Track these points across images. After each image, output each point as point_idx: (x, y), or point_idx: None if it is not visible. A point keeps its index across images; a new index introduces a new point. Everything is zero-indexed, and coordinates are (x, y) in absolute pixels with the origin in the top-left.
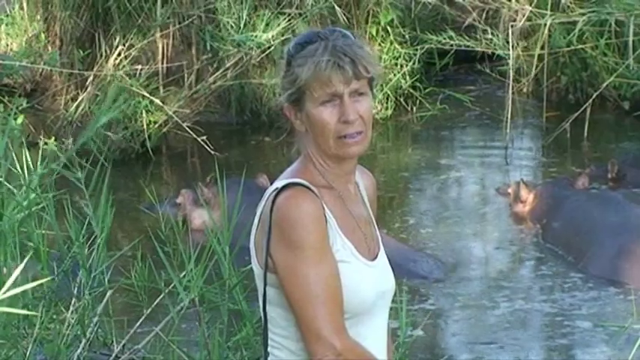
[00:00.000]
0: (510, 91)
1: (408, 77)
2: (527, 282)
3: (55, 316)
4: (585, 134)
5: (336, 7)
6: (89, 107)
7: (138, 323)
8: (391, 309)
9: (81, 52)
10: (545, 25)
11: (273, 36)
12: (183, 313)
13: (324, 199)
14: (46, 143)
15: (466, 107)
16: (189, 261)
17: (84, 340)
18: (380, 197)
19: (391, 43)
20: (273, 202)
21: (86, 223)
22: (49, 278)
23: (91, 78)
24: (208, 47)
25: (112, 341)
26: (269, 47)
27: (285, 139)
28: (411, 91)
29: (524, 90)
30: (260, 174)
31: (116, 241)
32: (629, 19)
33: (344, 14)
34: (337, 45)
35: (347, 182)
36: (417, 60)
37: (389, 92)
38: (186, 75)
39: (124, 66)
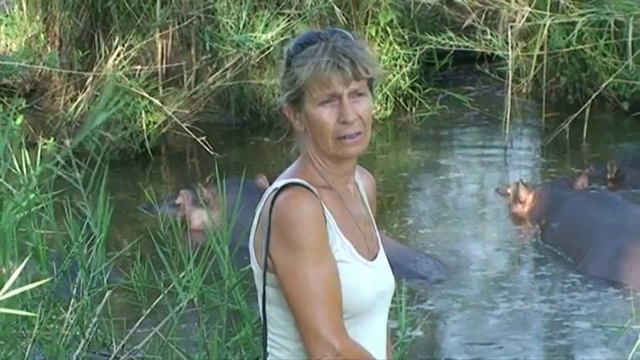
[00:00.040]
0: (509, 92)
1: (407, 78)
2: (527, 282)
3: (54, 317)
4: (584, 135)
5: (336, 7)
6: (88, 108)
7: (137, 324)
8: (390, 309)
9: (80, 52)
10: (545, 25)
11: (272, 36)
12: (183, 314)
13: (323, 199)
14: (45, 144)
15: (465, 108)
16: (189, 261)
17: (83, 341)
18: (379, 197)
19: (390, 44)
20: (273, 202)
21: (85, 223)
22: (48, 280)
23: (90, 78)
24: (208, 48)
25: (111, 342)
26: (268, 48)
27: (284, 140)
28: (411, 91)
29: (524, 90)
30: (259, 174)
31: (115, 241)
32: (629, 20)
33: (343, 15)
34: (337, 46)
35: (346, 182)
36: (416, 60)
37: (388, 93)
38: (185, 75)
39: (123, 66)
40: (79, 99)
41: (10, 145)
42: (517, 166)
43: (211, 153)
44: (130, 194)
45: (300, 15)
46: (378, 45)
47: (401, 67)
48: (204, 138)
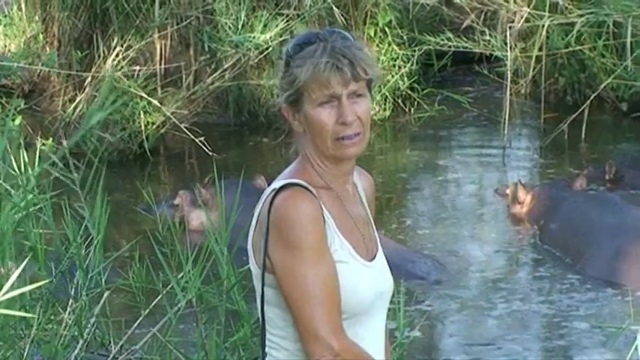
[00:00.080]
0: (508, 93)
1: (406, 78)
2: (525, 283)
3: (52, 317)
4: (583, 135)
5: (334, 8)
6: (87, 108)
7: (135, 324)
8: (389, 309)
9: (79, 53)
10: (543, 26)
11: (271, 37)
12: (181, 314)
13: (322, 200)
14: (43, 144)
15: (464, 108)
16: (187, 262)
17: (81, 341)
18: (378, 198)
19: (389, 45)
20: (271, 202)
21: (84, 224)
22: (47, 281)
23: (89, 79)
24: (206, 48)
25: (110, 342)
26: (267, 48)
27: (283, 140)
28: (409, 92)
29: (522, 91)
30: (258, 175)
31: (114, 242)
32: (627, 21)
33: (342, 15)
34: (336, 46)
35: (345, 183)
36: (415, 61)
37: (387, 93)
38: (184, 76)
39: (122, 67)
40: (78, 99)
41: (9, 145)
42: (516, 166)
43: (210, 153)
44: (128, 195)
45: (298, 15)
46: (377, 45)
47: (400, 67)
48: (202, 138)
